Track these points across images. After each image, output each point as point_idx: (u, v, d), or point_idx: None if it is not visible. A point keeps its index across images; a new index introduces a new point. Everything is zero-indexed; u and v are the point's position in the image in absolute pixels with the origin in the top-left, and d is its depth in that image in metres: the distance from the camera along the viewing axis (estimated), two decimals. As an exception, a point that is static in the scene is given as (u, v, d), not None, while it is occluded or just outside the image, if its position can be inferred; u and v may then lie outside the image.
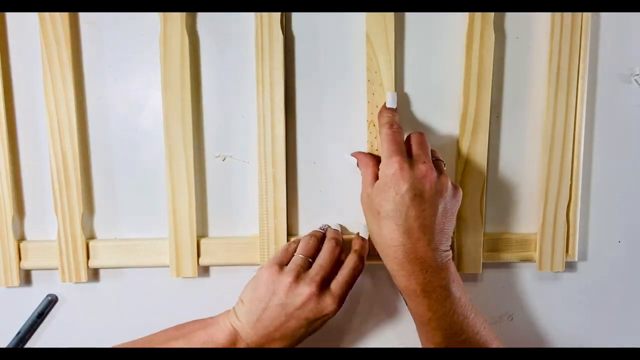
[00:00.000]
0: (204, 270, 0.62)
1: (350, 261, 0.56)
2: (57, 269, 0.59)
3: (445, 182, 0.52)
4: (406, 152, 0.53)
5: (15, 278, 0.59)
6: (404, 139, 0.55)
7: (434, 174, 0.52)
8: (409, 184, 0.50)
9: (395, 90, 0.58)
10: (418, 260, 0.51)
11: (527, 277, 0.63)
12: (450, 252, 0.53)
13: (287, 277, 0.53)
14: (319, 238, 0.58)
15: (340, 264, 0.56)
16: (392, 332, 0.63)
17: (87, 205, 0.60)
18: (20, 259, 0.59)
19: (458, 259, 0.60)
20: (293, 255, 0.56)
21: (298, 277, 0.53)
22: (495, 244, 0.61)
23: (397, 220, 0.51)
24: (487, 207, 0.61)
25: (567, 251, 0.61)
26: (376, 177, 0.54)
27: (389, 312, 0.63)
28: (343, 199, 0.60)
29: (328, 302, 0.53)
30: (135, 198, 0.60)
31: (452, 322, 0.52)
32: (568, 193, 0.60)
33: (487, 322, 0.54)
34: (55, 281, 0.61)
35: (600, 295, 0.64)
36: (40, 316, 0.60)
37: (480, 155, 0.59)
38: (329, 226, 0.60)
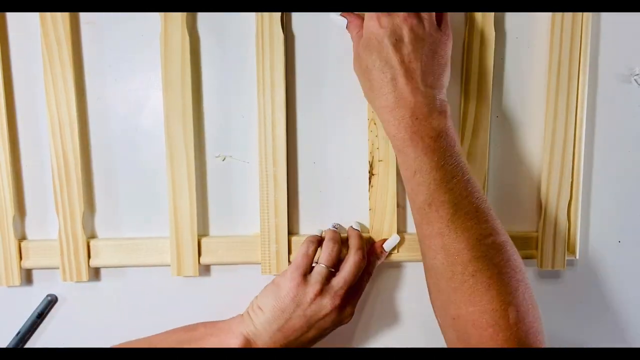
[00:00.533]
0: (205, 269, 0.62)
1: (364, 277, 0.58)
2: (57, 268, 0.59)
3: (429, 25, 0.51)
4: None
5: (16, 277, 0.59)
6: None
7: (414, 19, 0.51)
8: (390, 30, 0.50)
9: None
10: (408, 105, 0.50)
11: (529, 275, 0.63)
12: (446, 103, 0.51)
13: (313, 289, 0.54)
14: (340, 245, 0.58)
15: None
16: (392, 334, 0.64)
17: (88, 204, 0.60)
18: (21, 258, 0.59)
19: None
20: (312, 258, 0.57)
21: (322, 289, 0.54)
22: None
23: (383, 68, 0.50)
24: (487, 206, 0.61)
25: (568, 249, 0.61)
26: None
27: (389, 315, 0.64)
28: (343, 198, 0.60)
29: (347, 314, 0.56)
30: (136, 197, 0.60)
31: (437, 177, 0.49)
32: (569, 191, 0.60)
33: (484, 198, 0.50)
34: (56, 280, 0.61)
35: (601, 294, 0.64)
36: (40, 316, 0.61)
37: (480, 155, 0.59)
38: (351, 226, 0.60)
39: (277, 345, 0.54)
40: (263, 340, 0.54)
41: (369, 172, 0.59)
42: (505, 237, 0.50)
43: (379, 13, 0.51)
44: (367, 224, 0.61)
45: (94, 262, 0.60)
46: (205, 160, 0.60)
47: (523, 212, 0.62)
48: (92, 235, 0.61)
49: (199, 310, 0.59)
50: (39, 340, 0.62)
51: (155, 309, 0.62)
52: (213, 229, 0.61)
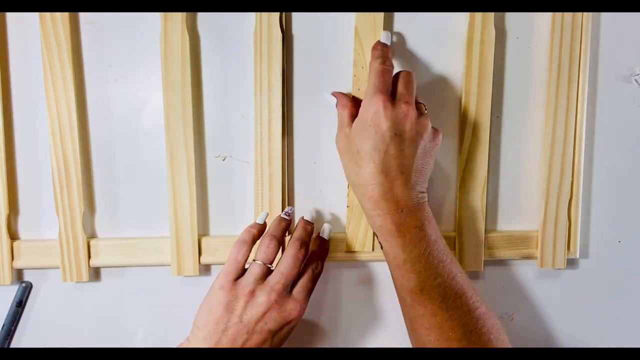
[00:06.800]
0: (205, 269, 0.62)
1: (309, 266, 0.54)
2: (51, 267, 0.59)
3: (426, 124, 0.52)
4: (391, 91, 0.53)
5: (7, 277, 0.59)
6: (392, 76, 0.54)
7: (415, 114, 0.51)
8: (390, 123, 0.50)
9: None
10: (394, 199, 0.50)
11: (529, 274, 0.64)
12: (426, 194, 0.53)
13: (244, 291, 0.51)
14: (280, 239, 0.55)
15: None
16: (382, 333, 0.64)
17: (88, 204, 0.60)
18: (12, 258, 0.59)
19: (459, 256, 0.60)
20: (243, 262, 0.53)
21: (255, 289, 0.51)
22: (497, 242, 0.62)
23: (375, 158, 0.50)
24: (489, 205, 0.61)
25: (568, 248, 0.61)
26: (353, 118, 0.53)
27: (379, 313, 0.64)
28: (343, 198, 0.60)
29: (291, 308, 0.52)
30: (136, 197, 0.60)
31: (426, 264, 0.50)
32: (569, 190, 0.60)
33: (464, 272, 0.53)
34: (51, 280, 0.61)
35: (602, 293, 0.64)
36: (20, 304, 0.60)
37: (481, 154, 0.59)
38: (303, 216, 0.57)
39: None
40: None
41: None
42: (485, 307, 0.52)
43: (384, 100, 0.51)
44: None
45: (94, 262, 0.60)
46: (205, 160, 0.60)
47: (523, 212, 0.62)
48: (92, 235, 0.61)
49: (199, 310, 0.58)
50: (39, 340, 0.62)
51: (155, 309, 0.62)
52: (213, 229, 0.61)
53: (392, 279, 0.54)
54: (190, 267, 0.60)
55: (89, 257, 0.60)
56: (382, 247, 0.53)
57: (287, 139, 0.59)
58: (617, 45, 0.60)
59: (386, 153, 0.50)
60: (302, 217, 0.57)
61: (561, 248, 0.61)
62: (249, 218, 0.60)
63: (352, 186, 0.54)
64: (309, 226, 0.57)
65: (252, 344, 0.51)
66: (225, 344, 0.50)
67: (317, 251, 0.56)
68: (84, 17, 0.57)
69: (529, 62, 0.60)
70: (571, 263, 0.63)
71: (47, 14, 0.55)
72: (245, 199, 0.61)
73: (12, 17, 0.57)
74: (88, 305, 0.62)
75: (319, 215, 0.61)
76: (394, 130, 0.50)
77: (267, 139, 0.58)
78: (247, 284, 0.52)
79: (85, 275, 0.59)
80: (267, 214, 0.57)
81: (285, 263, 0.53)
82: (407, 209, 0.51)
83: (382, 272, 0.62)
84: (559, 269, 0.62)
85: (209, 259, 0.60)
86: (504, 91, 0.60)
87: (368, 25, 0.57)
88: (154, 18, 0.57)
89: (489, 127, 0.59)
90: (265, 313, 0.51)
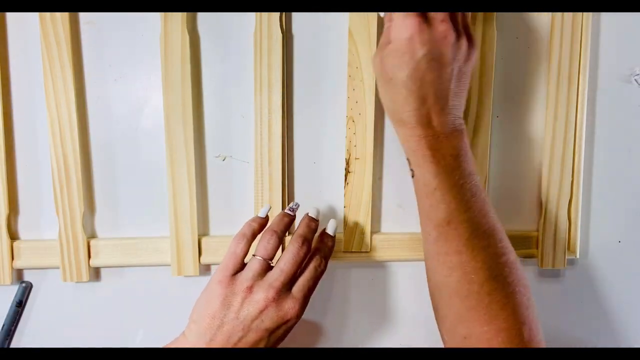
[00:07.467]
0: (206, 269, 0.62)
1: (311, 263, 0.53)
2: (51, 267, 0.59)
3: (463, 43, 0.48)
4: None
5: (7, 277, 0.59)
6: None
7: (454, 35, 0.47)
8: (427, 49, 0.46)
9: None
10: (430, 125, 0.48)
11: (529, 274, 0.64)
12: (463, 123, 0.50)
13: (242, 286, 0.50)
14: (282, 235, 0.53)
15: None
16: (386, 334, 0.64)
17: (88, 204, 0.60)
18: (12, 258, 0.59)
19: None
20: (242, 257, 0.52)
21: (254, 285, 0.50)
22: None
23: (411, 86, 0.47)
24: (488, 205, 0.61)
25: (568, 248, 0.61)
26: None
27: (378, 313, 0.64)
28: (342, 198, 0.61)
29: (289, 307, 0.50)
30: (136, 197, 0.60)
31: (458, 195, 0.48)
32: (569, 190, 0.60)
33: (496, 215, 0.50)
34: (51, 280, 0.61)
35: (602, 293, 0.64)
36: (20, 304, 0.60)
37: (481, 154, 0.59)
38: (308, 212, 0.55)
39: None
40: None
41: (345, 170, 0.59)
42: (515, 256, 0.50)
43: (418, 23, 0.46)
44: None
45: (94, 262, 0.60)
46: (205, 160, 0.60)
47: (523, 211, 0.62)
48: (92, 235, 0.61)
49: (199, 310, 0.58)
50: (39, 340, 0.62)
51: (156, 308, 0.62)
52: (213, 229, 0.61)
53: (419, 211, 0.51)
54: (190, 267, 0.60)
55: (89, 257, 0.60)
56: (412, 176, 0.51)
57: (287, 139, 0.59)
58: (617, 45, 0.60)
59: (422, 80, 0.47)
60: (307, 214, 0.55)
61: (561, 248, 0.61)
62: (249, 218, 0.60)
63: (387, 110, 0.51)
64: (313, 223, 0.55)
65: (247, 341, 0.49)
66: (220, 340, 0.49)
67: (320, 248, 0.54)
68: (84, 17, 0.57)
69: (529, 62, 0.60)
70: (571, 263, 0.63)
71: (47, 14, 0.55)
72: (245, 199, 0.61)
73: (12, 17, 0.57)
74: (88, 305, 0.62)
75: (326, 215, 0.61)
76: (431, 55, 0.46)
77: (267, 139, 0.58)
78: (246, 280, 0.50)
79: (85, 275, 0.59)
80: (270, 208, 0.56)
81: (285, 260, 0.51)
82: (443, 135, 0.48)
83: (381, 272, 0.63)
84: (559, 268, 0.62)
85: (209, 259, 0.60)
86: (504, 91, 0.60)
87: (362, 26, 0.57)
88: (154, 18, 0.57)
89: (489, 127, 0.59)
90: (262, 311, 0.49)
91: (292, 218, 0.55)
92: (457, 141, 0.49)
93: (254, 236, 0.53)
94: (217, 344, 0.49)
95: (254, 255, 0.52)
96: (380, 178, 0.61)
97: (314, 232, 0.55)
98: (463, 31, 0.48)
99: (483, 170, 0.59)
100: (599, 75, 0.60)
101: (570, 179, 0.60)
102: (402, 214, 0.62)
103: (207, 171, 0.60)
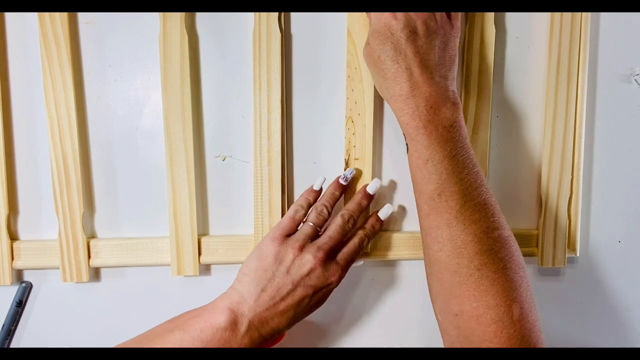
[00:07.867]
0: (205, 269, 0.62)
1: (356, 238, 0.56)
2: (51, 268, 0.60)
3: (441, 18, 0.52)
4: None
5: (7, 277, 0.59)
6: None
7: (426, 12, 0.51)
8: (403, 23, 0.50)
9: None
10: (423, 94, 0.50)
11: (529, 273, 0.63)
12: (456, 93, 0.52)
13: (294, 245, 0.53)
14: (331, 208, 0.57)
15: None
16: (386, 330, 0.64)
17: (88, 204, 0.60)
18: (12, 258, 0.59)
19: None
20: (298, 222, 0.56)
21: (304, 245, 0.54)
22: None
23: (397, 59, 0.50)
24: (487, 205, 0.61)
25: (568, 247, 0.62)
26: None
27: (375, 314, 0.64)
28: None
29: (333, 270, 0.54)
30: (135, 197, 0.60)
31: (449, 167, 0.49)
32: (569, 189, 0.60)
33: (490, 189, 0.51)
34: (51, 280, 0.61)
35: (602, 292, 0.64)
36: (20, 304, 0.60)
37: (481, 153, 0.59)
38: (366, 186, 0.58)
39: (263, 309, 0.51)
40: (248, 305, 0.51)
41: (345, 170, 0.59)
42: (509, 232, 0.50)
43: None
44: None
45: (94, 262, 0.60)
46: (205, 160, 0.60)
47: (523, 210, 0.62)
48: (92, 235, 0.61)
49: (199, 309, 0.58)
50: (39, 340, 0.62)
51: (156, 308, 0.62)
52: (213, 229, 0.61)
53: (413, 185, 0.52)
54: (190, 267, 0.60)
55: (89, 257, 0.60)
56: (407, 151, 0.52)
57: (286, 138, 0.59)
58: (617, 45, 0.60)
59: (405, 53, 0.50)
60: (365, 188, 0.58)
61: (561, 246, 0.61)
62: (249, 218, 0.61)
63: (380, 90, 0.53)
64: (365, 201, 0.58)
65: (294, 295, 0.52)
66: (270, 291, 0.52)
67: (367, 227, 0.58)
68: (83, 17, 0.57)
69: (529, 61, 0.60)
70: (571, 261, 0.63)
71: (46, 14, 0.55)
72: (245, 199, 0.61)
73: (11, 17, 0.57)
74: (88, 305, 0.62)
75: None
76: (408, 28, 0.50)
77: (267, 139, 0.58)
78: (297, 240, 0.54)
79: (85, 275, 0.59)
80: (324, 180, 0.58)
81: (333, 229, 0.55)
82: (436, 106, 0.50)
83: (381, 272, 0.63)
84: (559, 267, 0.62)
85: (209, 258, 0.60)
86: (504, 91, 0.60)
87: (360, 26, 0.57)
88: (153, 18, 0.57)
89: (489, 126, 0.59)
90: (311, 270, 0.53)
91: (343, 191, 0.59)
92: (451, 113, 0.50)
93: (309, 206, 0.57)
94: (267, 294, 0.52)
95: (305, 221, 0.56)
96: (380, 178, 0.61)
97: (362, 210, 0.58)
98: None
99: (483, 169, 0.59)
100: (599, 75, 0.60)
101: (570, 178, 0.60)
102: (402, 214, 0.62)
103: (206, 171, 0.60)
